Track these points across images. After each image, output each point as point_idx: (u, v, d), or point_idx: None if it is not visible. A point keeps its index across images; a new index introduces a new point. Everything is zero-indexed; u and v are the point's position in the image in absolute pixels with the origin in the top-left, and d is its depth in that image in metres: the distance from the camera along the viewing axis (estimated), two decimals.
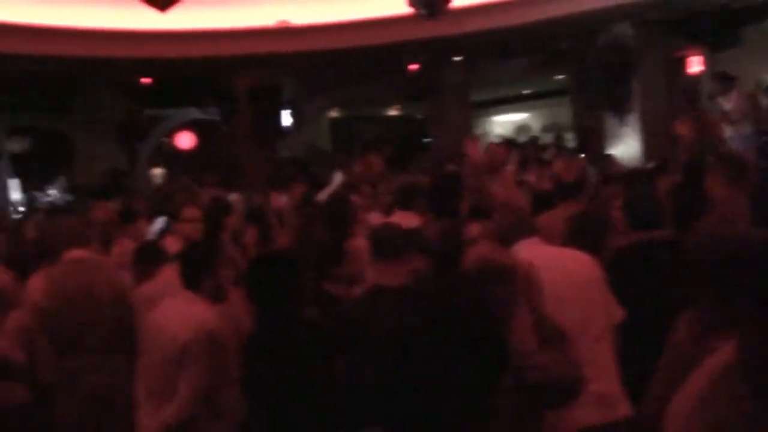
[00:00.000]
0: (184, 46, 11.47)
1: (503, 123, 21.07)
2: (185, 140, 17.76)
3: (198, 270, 3.64)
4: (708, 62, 12.37)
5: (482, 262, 2.84)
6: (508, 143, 12.63)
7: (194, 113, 16.72)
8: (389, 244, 3.62)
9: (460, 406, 1.52)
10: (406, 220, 5.30)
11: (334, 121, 21.53)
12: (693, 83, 12.59)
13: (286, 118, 14.12)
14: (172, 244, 4.78)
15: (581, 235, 3.89)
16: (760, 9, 10.78)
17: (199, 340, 3.43)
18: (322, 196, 7.68)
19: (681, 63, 12.40)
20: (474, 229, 4.12)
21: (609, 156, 8.79)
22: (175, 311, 3.59)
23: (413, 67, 13.04)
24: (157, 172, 17.19)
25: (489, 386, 1.57)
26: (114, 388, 4.22)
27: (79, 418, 4.10)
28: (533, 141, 13.27)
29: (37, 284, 4.36)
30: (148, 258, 4.82)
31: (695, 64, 12.36)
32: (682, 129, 8.12)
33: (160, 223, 7.50)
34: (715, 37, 10.86)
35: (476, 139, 6.57)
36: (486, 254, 2.91)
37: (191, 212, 4.87)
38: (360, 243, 4.38)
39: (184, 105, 15.47)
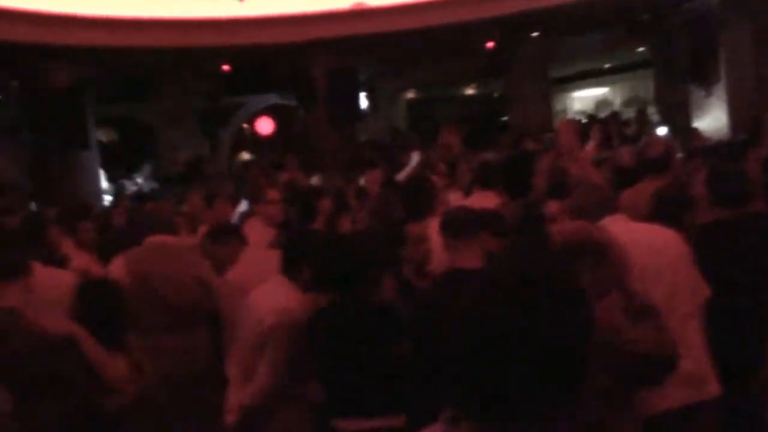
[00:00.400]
0: (261, 33, 11.63)
1: (583, 98, 20.66)
2: (265, 126, 18.07)
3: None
4: None
5: (573, 235, 2.83)
6: (590, 119, 12.41)
7: (273, 99, 16.97)
8: (461, 225, 3.62)
9: (541, 384, 1.49)
10: (485, 200, 5.28)
11: (410, 102, 21.53)
12: None
13: (364, 101, 14.15)
14: (255, 227, 4.86)
15: (664, 211, 3.80)
16: None
17: (282, 326, 3.48)
18: (401, 177, 7.68)
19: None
20: (553, 207, 4.07)
21: (695, 129, 8.52)
22: (264, 295, 3.66)
23: (490, 44, 12.89)
24: (244, 157, 17.56)
25: (572, 360, 1.54)
26: (193, 368, 4.33)
27: (167, 398, 4.22)
28: (615, 116, 12.97)
29: (116, 267, 4.50)
30: (219, 238, 4.96)
31: None
32: None
33: (243, 206, 7.68)
34: None
35: (571, 122, 6.46)
36: (577, 228, 2.89)
37: (273, 194, 4.92)
38: (434, 224, 4.38)
39: (263, 91, 15.69)
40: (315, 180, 9.08)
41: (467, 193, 6.06)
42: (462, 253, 3.54)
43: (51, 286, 3.86)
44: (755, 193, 3.96)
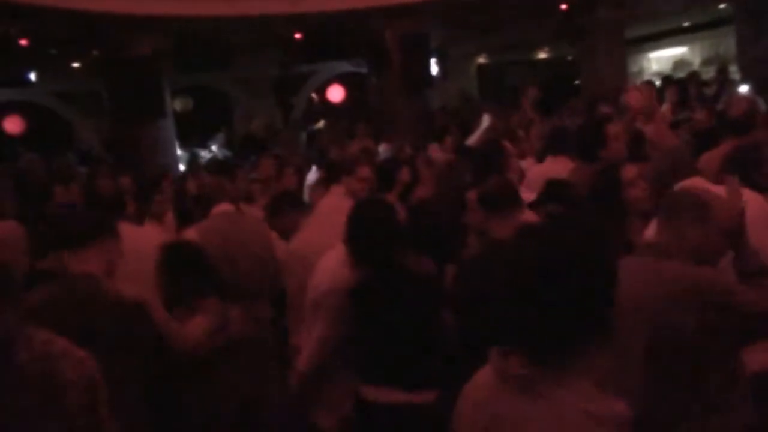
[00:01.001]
0: (331, 0, 11.64)
1: (660, 59, 20.06)
2: (336, 93, 18.14)
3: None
4: None
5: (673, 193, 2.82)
6: (666, 80, 12.06)
7: (344, 66, 16.99)
8: (496, 200, 3.68)
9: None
10: (558, 165, 5.22)
11: (481, 67, 21.29)
12: None
13: (434, 67, 14.05)
14: (334, 196, 4.88)
15: (733, 171, 3.69)
16: None
17: (334, 292, 3.49)
18: (471, 141, 7.63)
19: None
20: (630, 171, 4.00)
21: None
22: (325, 262, 3.68)
23: (563, 6, 12.61)
24: (319, 125, 17.69)
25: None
26: (260, 334, 4.41)
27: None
28: (694, 76, 12.59)
29: (189, 237, 4.58)
30: (278, 209, 5.04)
31: None
32: None
33: (312, 175, 7.75)
34: None
35: (638, 88, 6.34)
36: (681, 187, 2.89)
37: (364, 171, 4.90)
38: None
39: (335, 58, 15.73)
40: (382, 149, 9.07)
41: (540, 158, 6.01)
42: (497, 227, 3.59)
43: (139, 245, 4.03)
44: None
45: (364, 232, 3.49)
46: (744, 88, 9.79)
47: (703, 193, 2.81)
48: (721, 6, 15.54)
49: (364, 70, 14.83)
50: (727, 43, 16.46)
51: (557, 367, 1.75)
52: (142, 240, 4.34)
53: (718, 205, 2.74)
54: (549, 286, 1.75)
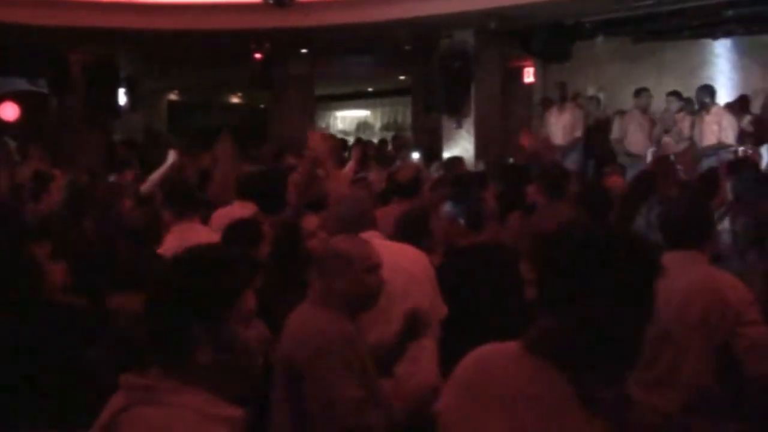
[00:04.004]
0: (15, 11, 10.78)
1: (345, 118, 21.28)
2: (9, 111, 16.69)
3: None
4: (541, 74, 13.07)
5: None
6: (355, 141, 12.80)
7: (22, 84, 15.74)
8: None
9: None
10: (245, 210, 5.27)
11: (172, 104, 20.93)
12: (527, 93, 13.26)
13: (122, 98, 13.60)
14: None
15: (407, 233, 4.01)
16: (589, 27, 11.51)
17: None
18: (153, 177, 7.44)
19: (517, 72, 13.01)
20: (311, 221, 4.15)
21: (458, 158, 9.08)
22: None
23: (258, 55, 12.89)
24: None
25: None
26: None
27: None
28: (381, 141, 13.58)
29: None
30: None
31: (530, 75, 13.01)
32: (525, 140, 8.52)
33: None
34: (548, 50, 11.46)
35: (320, 132, 6.61)
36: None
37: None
38: None
39: (13, 74, 14.51)
40: (57, 173, 8.51)
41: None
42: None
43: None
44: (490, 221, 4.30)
45: None
46: (416, 155, 10.69)
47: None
48: (402, 77, 16.92)
49: (44, 90, 13.86)
50: (405, 111, 17.95)
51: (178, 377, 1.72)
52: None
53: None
54: None
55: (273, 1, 8.30)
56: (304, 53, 14.08)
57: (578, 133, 10.93)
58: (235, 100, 21.60)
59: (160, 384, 1.70)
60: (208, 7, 11.34)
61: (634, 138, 10.63)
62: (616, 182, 6.31)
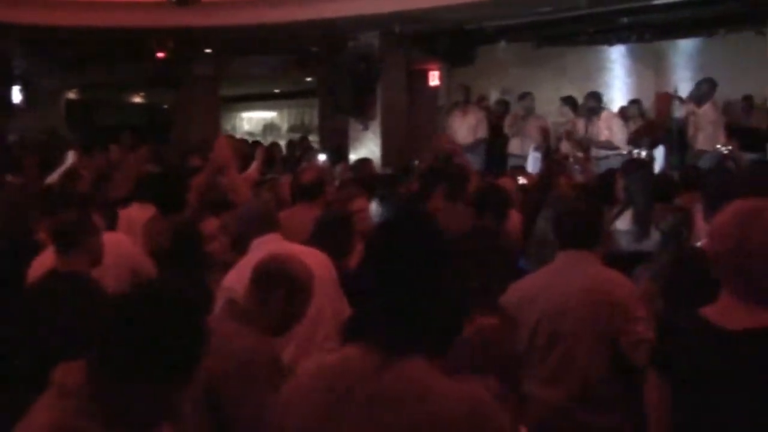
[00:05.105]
0: None
1: (251, 120, 21.07)
2: None
3: None
4: (446, 77, 13.26)
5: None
6: (255, 142, 12.68)
7: None
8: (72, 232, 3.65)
9: None
10: (145, 212, 5.18)
11: (71, 103, 20.27)
12: (432, 95, 13.43)
13: (17, 95, 13.12)
14: None
15: (325, 235, 4.01)
16: (491, 32, 11.75)
17: None
18: (52, 178, 7.24)
19: (422, 75, 13.16)
20: (210, 225, 4.11)
21: (367, 160, 9.12)
22: None
23: (161, 54, 12.63)
24: None
25: None
26: None
27: None
28: (290, 143, 13.50)
29: None
30: None
31: (435, 78, 13.18)
32: (438, 141, 8.63)
33: None
34: (452, 53, 11.65)
35: (226, 136, 6.56)
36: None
37: None
38: None
39: None
40: None
41: (124, 205, 5.88)
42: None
43: None
44: None
45: None
46: (322, 157, 10.67)
47: (297, 268, 2.96)
48: (309, 79, 16.87)
49: None
50: (312, 113, 17.90)
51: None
52: None
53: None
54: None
55: (174, 1, 8.12)
56: (208, 53, 13.88)
57: (481, 135, 11.14)
58: (137, 99, 21.08)
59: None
60: (108, 3, 11.05)
61: (522, 140, 10.97)
62: (506, 183, 6.42)
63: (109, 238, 3.98)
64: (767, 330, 2.06)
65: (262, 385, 2.59)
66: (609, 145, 9.89)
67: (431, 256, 1.76)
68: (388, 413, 1.66)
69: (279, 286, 2.82)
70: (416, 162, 9.44)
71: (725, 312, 2.14)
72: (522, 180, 7.24)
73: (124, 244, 4.34)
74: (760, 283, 2.09)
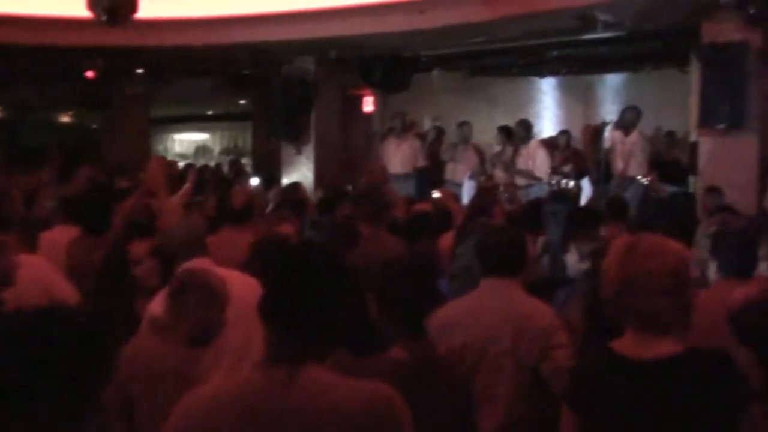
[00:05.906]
0: None
1: (183, 142, 20.84)
2: None
3: None
4: (380, 103, 13.37)
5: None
6: (188, 165, 12.53)
7: None
8: None
9: None
10: (66, 234, 5.07)
11: None
12: (367, 121, 13.51)
13: None
14: None
15: (258, 260, 3.98)
16: (425, 61, 11.92)
17: None
18: None
19: (356, 101, 13.24)
20: (139, 248, 4.04)
21: (297, 184, 9.11)
22: None
23: (90, 74, 12.40)
24: None
25: None
26: None
27: None
28: (218, 165, 13.38)
29: None
30: None
31: (369, 104, 13.28)
32: (375, 166, 8.69)
33: None
34: (386, 80, 11.75)
35: (162, 159, 6.49)
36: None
37: None
38: None
39: None
40: None
41: (48, 226, 5.75)
42: None
43: None
44: None
45: None
46: (255, 180, 10.62)
47: (209, 276, 2.96)
48: (242, 101, 16.79)
49: None
50: (245, 136, 17.80)
51: None
52: None
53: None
54: None
55: (105, 19, 7.97)
56: (139, 73, 13.69)
57: (420, 163, 11.23)
58: (65, 119, 20.63)
59: None
60: (37, 21, 10.81)
61: (458, 167, 11.14)
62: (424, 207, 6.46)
63: (27, 261, 3.89)
64: (666, 360, 2.16)
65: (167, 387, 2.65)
66: (530, 175, 10.10)
67: (317, 281, 1.97)
68: (303, 419, 1.81)
69: (192, 293, 2.84)
70: (349, 187, 9.48)
71: (631, 344, 2.23)
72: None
73: (41, 267, 4.23)
74: (651, 316, 2.18)
